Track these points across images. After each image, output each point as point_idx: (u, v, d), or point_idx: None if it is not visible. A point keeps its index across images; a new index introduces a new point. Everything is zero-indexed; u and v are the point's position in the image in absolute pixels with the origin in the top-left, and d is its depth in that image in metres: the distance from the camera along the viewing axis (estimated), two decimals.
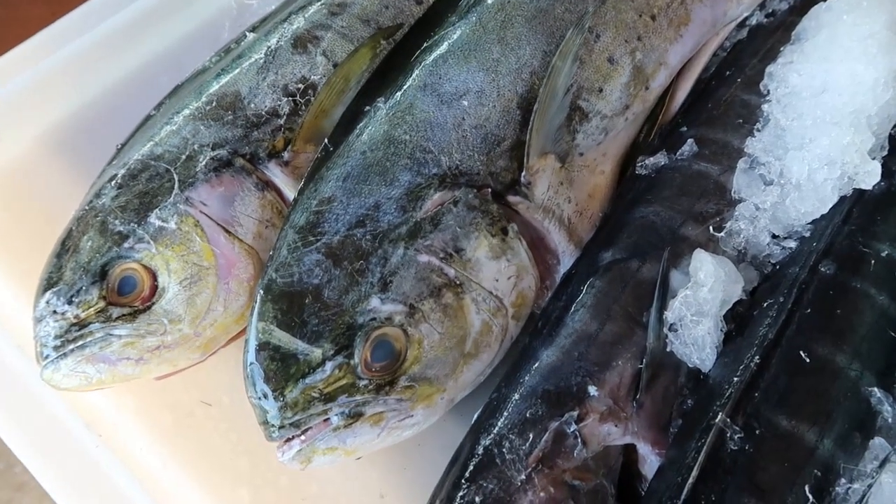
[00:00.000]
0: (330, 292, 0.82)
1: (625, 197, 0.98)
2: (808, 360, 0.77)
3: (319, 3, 1.03)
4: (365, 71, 0.96)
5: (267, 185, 0.92)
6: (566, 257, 0.95)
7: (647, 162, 0.98)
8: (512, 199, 0.90)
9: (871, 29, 0.91)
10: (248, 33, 1.05)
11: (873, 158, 0.90)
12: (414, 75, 0.94)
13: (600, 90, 0.98)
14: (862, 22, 0.92)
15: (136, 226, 0.85)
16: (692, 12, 1.07)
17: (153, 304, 0.84)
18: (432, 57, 0.95)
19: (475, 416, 0.85)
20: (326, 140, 0.91)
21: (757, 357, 0.77)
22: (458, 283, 0.84)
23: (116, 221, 0.86)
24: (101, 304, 0.83)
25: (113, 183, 0.89)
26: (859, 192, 0.87)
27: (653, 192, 0.95)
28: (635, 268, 0.88)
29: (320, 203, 0.86)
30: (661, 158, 0.98)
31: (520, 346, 0.90)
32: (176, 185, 0.87)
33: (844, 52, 0.92)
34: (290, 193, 0.92)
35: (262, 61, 0.97)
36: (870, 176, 0.84)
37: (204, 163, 0.89)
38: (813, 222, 0.89)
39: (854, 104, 0.89)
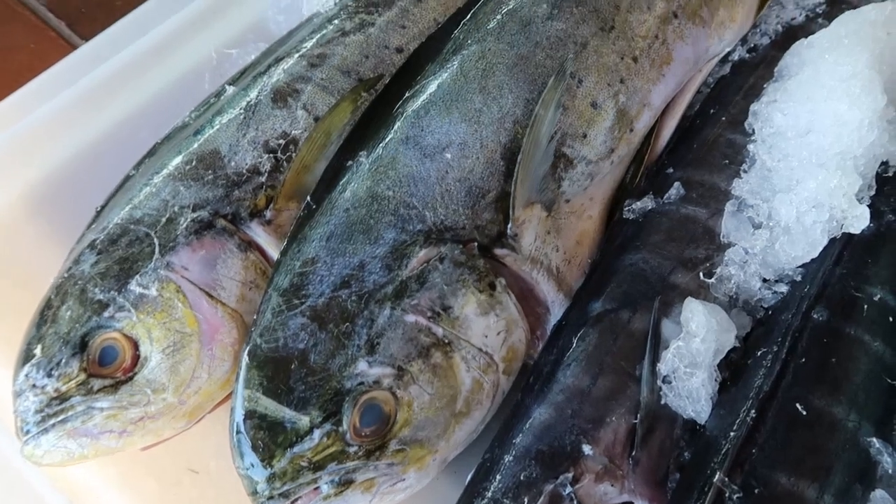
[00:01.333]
0: (316, 357, 0.80)
1: (613, 243, 0.96)
2: (804, 413, 0.76)
3: (298, 55, 1.02)
4: (346, 124, 0.95)
5: (249, 245, 0.90)
6: (556, 307, 0.93)
7: (634, 206, 0.97)
8: (499, 252, 0.88)
9: (854, 68, 0.90)
10: (227, 86, 1.04)
11: (861, 200, 0.89)
12: (396, 128, 0.93)
13: (584, 136, 0.97)
14: (844, 61, 0.92)
15: (116, 293, 0.84)
16: (674, 51, 1.06)
17: (135, 374, 0.82)
18: (413, 108, 0.94)
19: (468, 477, 0.83)
20: (309, 197, 0.89)
21: (753, 411, 0.76)
22: (446, 341, 0.83)
23: (96, 289, 0.84)
24: (82, 376, 0.81)
25: (92, 249, 0.87)
26: (849, 235, 0.86)
27: (641, 237, 0.94)
28: (626, 319, 0.87)
29: (304, 264, 0.84)
30: (648, 202, 0.97)
31: (512, 403, 0.88)
32: (156, 250, 0.85)
33: (828, 92, 0.91)
34: (274, 253, 0.91)
35: (241, 117, 0.96)
36: (858, 221, 0.83)
37: (184, 225, 0.87)
38: (804, 266, 0.88)
39: (840, 145, 0.88)
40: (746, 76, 1.09)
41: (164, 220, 0.88)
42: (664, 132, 1.09)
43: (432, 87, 0.95)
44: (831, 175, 0.86)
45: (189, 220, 0.87)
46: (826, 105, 0.91)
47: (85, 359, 0.82)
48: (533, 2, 1.00)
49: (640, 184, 1.03)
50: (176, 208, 0.88)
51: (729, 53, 1.13)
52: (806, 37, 1.07)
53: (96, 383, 0.81)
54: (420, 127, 0.92)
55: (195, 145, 0.94)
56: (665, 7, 1.06)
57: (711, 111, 1.06)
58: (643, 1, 1.04)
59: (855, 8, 1.14)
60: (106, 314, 0.83)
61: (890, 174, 0.91)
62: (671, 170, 1.01)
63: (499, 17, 1.00)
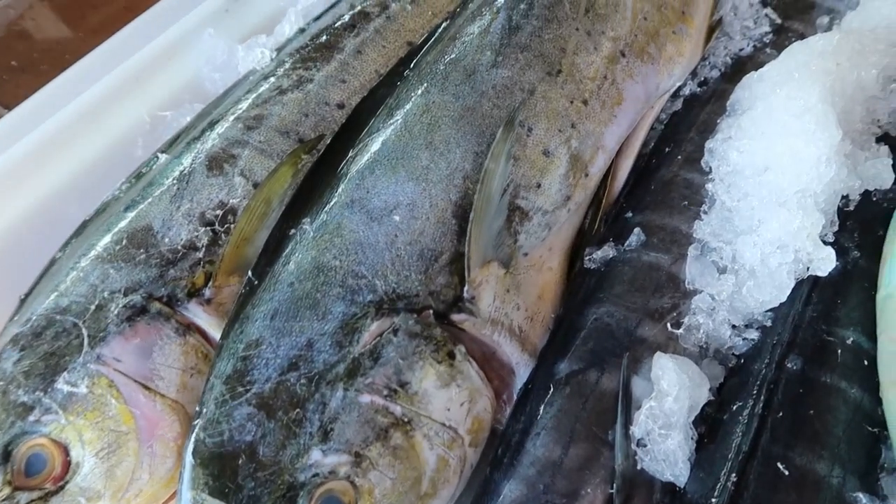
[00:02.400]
0: (266, 449, 0.74)
1: (576, 296, 0.92)
2: (786, 472, 0.72)
3: (234, 118, 0.97)
4: (288, 189, 0.90)
5: (188, 328, 0.84)
6: (521, 368, 0.89)
7: (595, 255, 0.93)
8: (456, 317, 0.83)
9: (807, 103, 0.88)
10: (159, 154, 0.98)
11: (825, 237, 0.87)
12: (340, 191, 0.87)
13: (538, 185, 0.93)
14: (796, 95, 0.89)
15: (41, 394, 0.76)
16: (624, 91, 1.03)
17: (67, 482, 0.75)
18: (358, 169, 0.89)
19: None
20: (250, 272, 0.84)
21: (733, 474, 0.72)
22: (406, 420, 0.77)
23: (19, 391, 0.77)
24: (7, 490, 0.74)
25: (14, 344, 0.80)
26: (816, 276, 0.84)
27: (604, 288, 0.90)
28: (594, 379, 0.82)
29: (247, 347, 0.78)
30: (609, 250, 0.93)
31: (482, 475, 0.83)
32: (85, 342, 0.79)
33: (782, 128, 0.89)
34: (216, 334, 0.85)
35: (175, 188, 0.90)
36: (824, 263, 0.81)
37: (115, 312, 0.81)
38: (773, 310, 0.85)
39: (799, 184, 0.85)
40: (699, 111, 1.07)
41: (93, 307, 0.81)
42: (620, 173, 1.06)
43: (376, 145, 0.90)
44: (793, 215, 0.83)
45: (120, 306, 0.81)
46: (781, 141, 0.88)
47: (9, 470, 0.74)
48: (476, 50, 0.97)
49: (600, 229, 0.99)
50: (106, 294, 0.82)
51: (680, 88, 1.11)
52: (755, 68, 1.06)
53: (23, 497, 0.74)
54: (365, 189, 0.87)
55: (125, 222, 0.87)
56: (612, 47, 1.03)
57: (666, 149, 1.04)
58: (589, 42, 1.02)
59: (800, 36, 1.14)
60: (31, 418, 0.75)
61: (851, 208, 0.89)
62: (630, 214, 0.97)
63: (442, 67, 0.96)
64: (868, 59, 0.95)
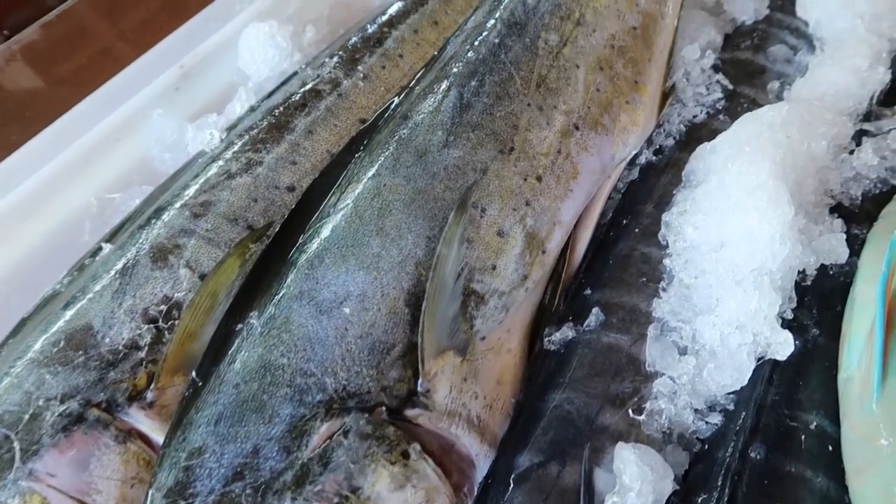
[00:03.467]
0: None
1: (536, 380, 0.90)
2: None
3: (181, 204, 0.94)
4: (235, 280, 0.87)
5: (129, 434, 0.80)
6: (481, 459, 0.85)
7: (554, 337, 0.91)
8: (410, 413, 0.80)
9: (758, 179, 0.88)
10: (104, 244, 0.95)
11: (783, 313, 0.85)
12: (288, 282, 0.85)
13: (494, 267, 0.91)
14: (747, 171, 0.89)
15: None
16: (579, 164, 1.03)
17: None
18: (307, 257, 0.86)
19: None
20: (194, 372, 0.80)
21: None
22: None
23: None
24: None
25: None
26: None
27: (564, 372, 0.88)
28: (555, 473, 0.79)
29: (190, 455, 0.74)
30: (568, 331, 0.91)
31: None
32: (17, 457, 0.74)
33: (735, 204, 0.88)
34: (159, 438, 0.81)
35: (117, 283, 0.87)
36: (783, 347, 0.79)
37: (51, 422, 0.76)
38: (735, 392, 0.83)
39: (754, 262, 0.85)
40: (655, 181, 1.06)
41: (26, 417, 0.77)
42: (579, 246, 1.04)
43: (326, 232, 0.88)
44: (749, 296, 0.82)
45: (56, 414, 0.77)
46: (735, 218, 0.88)
47: None
48: (427, 129, 0.95)
49: (560, 306, 0.98)
50: (41, 402, 0.78)
51: (636, 156, 1.11)
52: (709, 135, 1.06)
53: None
54: (315, 279, 0.84)
55: (63, 321, 0.84)
56: (565, 121, 1.03)
57: (624, 221, 1.03)
58: (542, 117, 1.01)
59: (752, 101, 1.15)
60: None
61: (808, 283, 0.88)
62: (589, 290, 0.96)
63: (393, 147, 0.94)
64: (818, 129, 0.96)
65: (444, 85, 1.00)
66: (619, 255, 0.98)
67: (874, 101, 1.06)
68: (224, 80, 1.16)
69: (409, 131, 0.96)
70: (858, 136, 1.01)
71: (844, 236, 0.88)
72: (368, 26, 1.18)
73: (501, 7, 1.10)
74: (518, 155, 0.97)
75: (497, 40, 1.05)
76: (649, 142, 1.12)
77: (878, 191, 0.96)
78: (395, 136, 0.96)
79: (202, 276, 0.89)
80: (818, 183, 0.95)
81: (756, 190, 0.87)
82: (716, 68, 1.20)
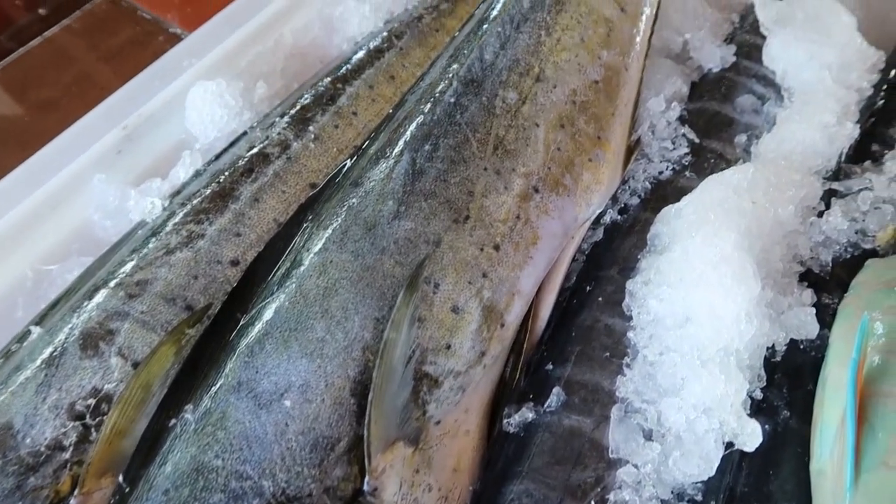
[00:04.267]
0: None
1: (495, 466, 0.85)
2: None
3: (115, 283, 0.88)
4: (170, 369, 0.81)
5: None
6: None
7: (513, 419, 0.86)
8: None
9: (723, 251, 0.84)
10: (32, 328, 0.89)
11: (753, 393, 0.81)
12: (226, 371, 0.79)
13: (448, 346, 0.86)
14: (712, 242, 0.85)
15: None
16: (540, 229, 0.98)
17: None
18: (247, 343, 0.81)
19: None
20: (121, 476, 0.74)
21: None
22: None
23: None
24: None
25: None
26: None
27: (523, 460, 0.83)
28: None
29: None
30: (527, 413, 0.86)
31: None
32: None
33: (699, 277, 0.84)
34: None
35: (42, 374, 0.81)
36: (751, 438, 0.75)
37: None
38: (703, 482, 0.78)
39: (719, 340, 0.80)
40: (620, 244, 1.02)
41: None
42: (542, 312, 0.99)
43: (268, 314, 0.83)
44: (716, 380, 0.78)
45: None
46: (699, 292, 0.84)
47: None
48: (378, 199, 0.90)
49: (520, 382, 0.93)
50: None
51: (601, 215, 1.07)
52: (675, 194, 1.03)
53: None
54: (254, 368, 0.79)
55: None
56: (524, 184, 0.98)
57: (588, 288, 0.98)
58: (499, 182, 0.97)
59: (719, 156, 1.11)
60: None
61: (778, 359, 0.84)
62: (551, 366, 0.91)
63: (342, 218, 0.89)
64: (785, 192, 0.92)
65: (396, 149, 0.95)
66: (583, 326, 0.93)
67: (842, 157, 1.03)
68: (170, 141, 1.10)
69: (359, 200, 0.91)
70: (828, 196, 0.98)
71: (814, 310, 0.84)
72: (321, 82, 1.13)
73: (458, 63, 1.06)
74: (474, 223, 0.93)
75: (452, 100, 1.01)
76: (614, 199, 1.08)
77: (849, 255, 0.93)
78: (344, 206, 0.91)
79: (135, 365, 0.83)
80: (786, 249, 0.91)
81: (721, 263, 0.82)
82: (682, 120, 1.16)
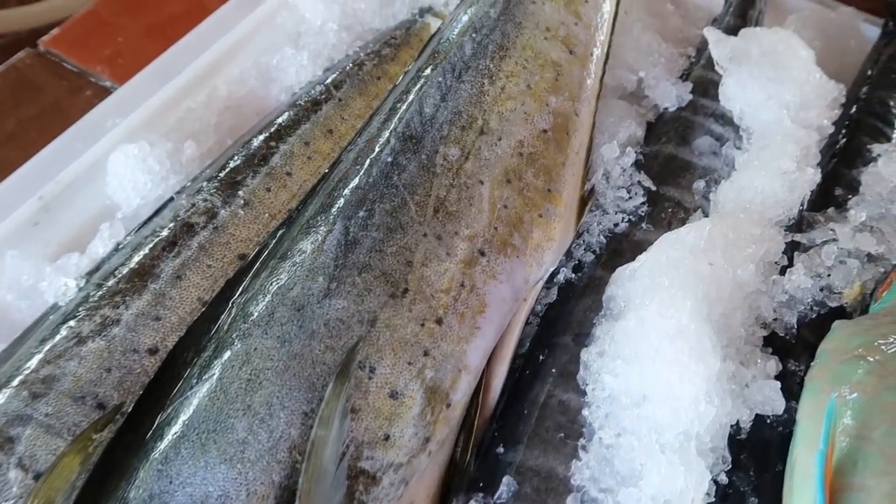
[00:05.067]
0: None
1: None
2: None
3: (19, 381, 0.80)
4: (76, 480, 0.73)
5: None
6: None
7: None
8: None
9: (679, 323, 0.77)
10: None
11: (717, 477, 0.75)
12: (138, 480, 0.71)
13: (387, 437, 0.79)
14: (667, 313, 0.79)
15: None
16: (487, 296, 0.91)
17: None
18: (161, 448, 0.73)
19: None
20: None
21: None
22: None
23: None
24: None
25: None
26: None
27: None
28: None
29: None
30: None
31: None
32: None
33: (655, 352, 0.78)
34: None
35: None
36: None
37: None
38: None
39: (678, 425, 0.74)
40: (574, 305, 0.96)
41: None
42: (494, 382, 0.92)
43: (186, 413, 0.75)
44: (675, 470, 0.71)
45: None
46: (655, 368, 0.77)
47: None
48: (307, 275, 0.83)
49: (471, 463, 0.86)
50: None
51: (554, 274, 1.00)
52: (631, 249, 0.98)
53: None
54: (168, 477, 0.71)
55: None
56: (468, 248, 0.91)
57: (541, 357, 0.91)
58: (440, 248, 0.90)
59: (676, 204, 1.05)
60: None
61: (744, 436, 0.78)
62: (502, 449, 0.84)
63: (268, 298, 0.82)
64: (744, 250, 0.86)
65: (329, 217, 0.88)
66: (536, 402, 0.86)
67: (804, 205, 0.98)
68: (90, 211, 1.02)
69: (288, 277, 0.83)
70: (791, 249, 0.92)
71: (779, 384, 0.78)
72: (253, 140, 1.06)
73: (396, 118, 0.99)
74: (413, 297, 0.86)
75: (389, 159, 0.94)
76: (569, 254, 1.02)
77: (814, 314, 0.87)
78: (271, 283, 0.84)
79: (37, 477, 0.75)
80: (748, 312, 0.85)
81: (677, 337, 0.76)
82: (638, 165, 1.10)
